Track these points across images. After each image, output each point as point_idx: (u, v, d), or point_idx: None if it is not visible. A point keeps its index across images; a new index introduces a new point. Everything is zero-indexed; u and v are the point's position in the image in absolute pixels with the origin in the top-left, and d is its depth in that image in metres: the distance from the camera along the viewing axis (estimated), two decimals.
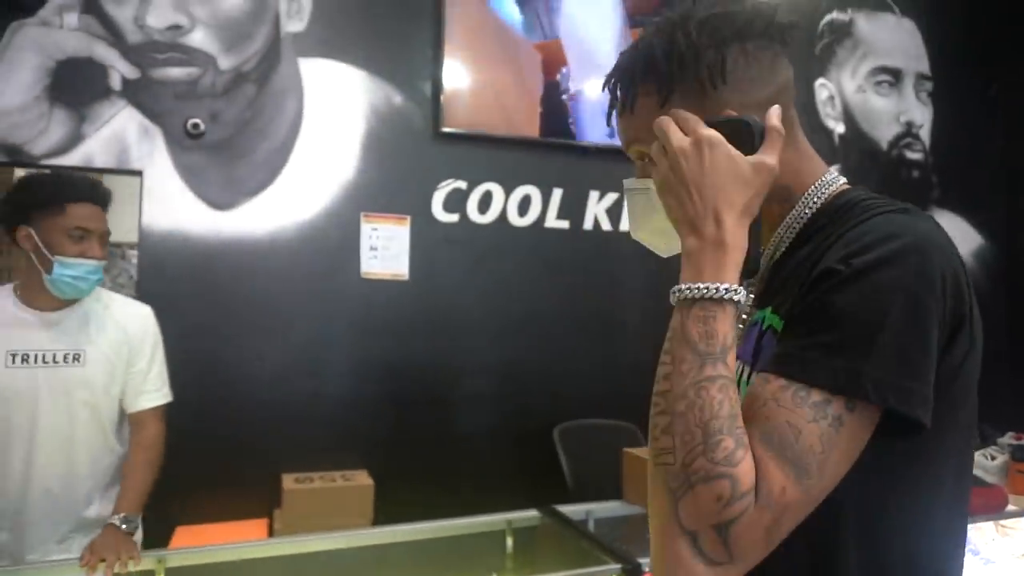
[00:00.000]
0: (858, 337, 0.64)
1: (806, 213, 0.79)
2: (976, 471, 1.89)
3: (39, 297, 1.65)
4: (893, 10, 3.76)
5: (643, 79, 0.79)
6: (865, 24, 3.71)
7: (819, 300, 0.67)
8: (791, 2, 3.49)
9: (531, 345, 3.00)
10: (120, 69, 2.52)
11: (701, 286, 0.68)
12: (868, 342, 0.64)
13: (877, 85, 3.73)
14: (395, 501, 2.47)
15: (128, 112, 2.54)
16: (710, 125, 0.71)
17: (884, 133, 3.73)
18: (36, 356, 1.64)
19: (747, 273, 0.72)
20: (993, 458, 1.94)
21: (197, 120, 2.59)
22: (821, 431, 0.63)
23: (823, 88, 3.61)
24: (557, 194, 3.06)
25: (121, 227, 2.69)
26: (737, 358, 0.76)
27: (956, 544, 0.78)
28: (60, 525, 1.67)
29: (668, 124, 0.73)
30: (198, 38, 2.59)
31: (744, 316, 0.82)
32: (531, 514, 1.79)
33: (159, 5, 2.55)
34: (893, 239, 0.67)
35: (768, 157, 0.71)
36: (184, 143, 2.60)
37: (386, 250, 2.82)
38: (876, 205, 0.75)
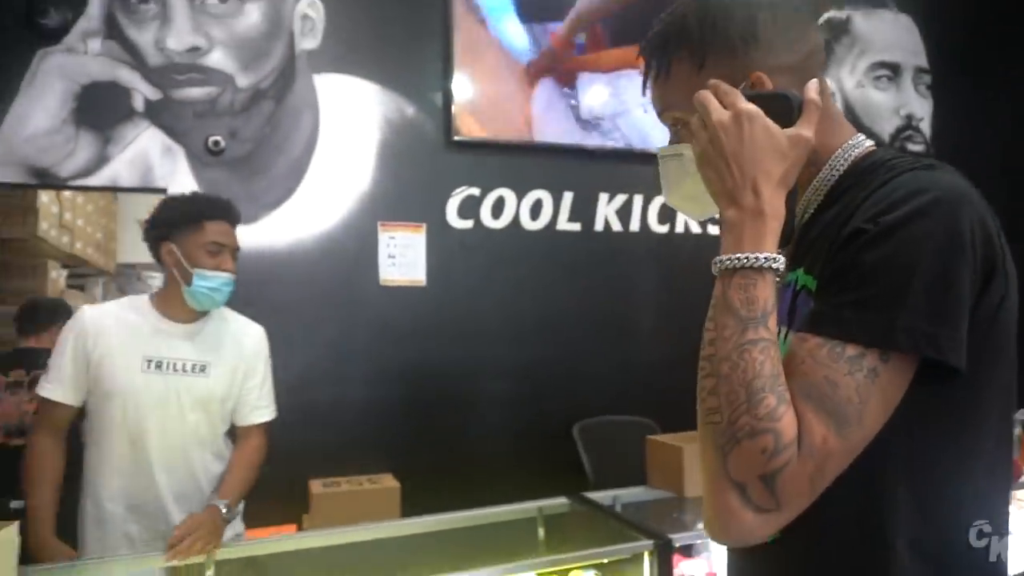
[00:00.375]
0: (889, 292, 0.67)
1: (833, 176, 0.82)
2: None
3: (175, 308, 1.79)
4: (889, 6, 3.84)
5: (677, 44, 0.82)
6: (862, 21, 3.78)
7: (850, 259, 0.70)
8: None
9: (547, 346, 3.05)
10: (142, 91, 2.61)
11: (741, 256, 0.71)
12: (899, 295, 0.67)
13: (876, 80, 3.80)
14: (421, 502, 2.51)
15: (151, 132, 2.62)
16: (750, 98, 0.74)
17: (885, 127, 3.80)
18: (169, 364, 1.77)
19: (784, 241, 0.75)
20: None
21: (217, 137, 2.67)
22: (857, 383, 0.66)
23: None
24: (568, 197, 3.13)
25: (141, 244, 2.78)
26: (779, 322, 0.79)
27: (1002, 494, 0.80)
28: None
29: (708, 98, 0.75)
30: (216, 58, 2.68)
31: (777, 279, 0.87)
32: (561, 501, 1.84)
33: (178, 28, 2.64)
34: (919, 194, 0.69)
35: (805, 130, 0.74)
36: (205, 160, 2.68)
37: (403, 257, 2.89)
38: (901, 163, 0.78)
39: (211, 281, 1.74)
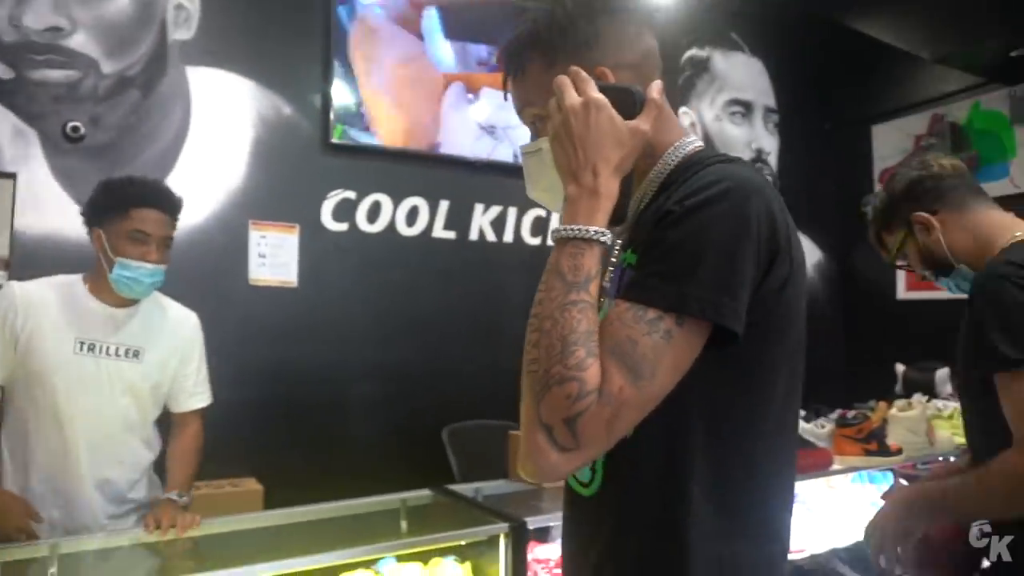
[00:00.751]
0: (684, 265, 0.78)
1: (666, 169, 0.92)
2: (808, 438, 2.18)
3: (106, 292, 1.76)
4: (744, 49, 4.22)
5: (531, 48, 0.92)
6: (721, 61, 4.13)
7: (658, 236, 0.81)
8: (660, 39, 3.83)
9: (419, 351, 3.09)
10: None
11: (574, 228, 0.81)
12: (692, 268, 0.77)
13: (731, 115, 4.16)
14: (285, 505, 2.48)
15: (0, 113, 2.46)
16: (601, 89, 0.84)
17: None
18: (102, 347, 1.76)
19: (617, 220, 0.85)
20: (823, 427, 2.23)
21: (77, 123, 2.54)
22: (654, 342, 0.76)
23: (686, 115, 3.98)
24: (444, 205, 3.21)
25: None
26: (605, 295, 0.89)
27: (787, 453, 0.91)
28: (107, 506, 1.78)
29: (565, 83, 0.85)
30: (79, 41, 2.56)
31: (613, 260, 0.97)
32: (424, 493, 1.89)
33: (37, 6, 2.50)
34: (717, 183, 0.81)
35: (643, 124, 0.85)
36: (62, 146, 2.54)
37: (275, 257, 2.85)
38: (711, 159, 0.90)
39: (131, 271, 1.71)
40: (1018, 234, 1.34)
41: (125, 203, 1.72)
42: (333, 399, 2.93)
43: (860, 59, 4.17)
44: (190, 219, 2.71)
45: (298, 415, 2.85)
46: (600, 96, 0.83)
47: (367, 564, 1.60)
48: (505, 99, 0.99)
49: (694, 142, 0.95)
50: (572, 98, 0.84)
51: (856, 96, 4.38)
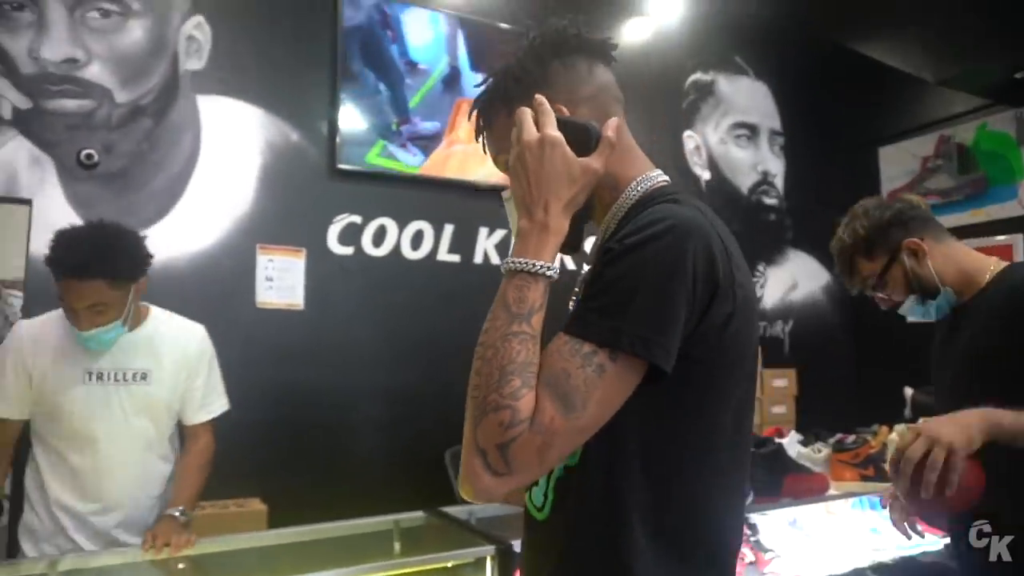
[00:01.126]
0: (619, 302, 0.80)
1: (625, 204, 0.95)
2: (804, 462, 2.17)
3: None
4: (748, 73, 4.26)
5: (493, 101, 0.98)
6: (725, 84, 4.17)
7: (598, 272, 0.84)
8: (661, 63, 3.89)
9: (423, 373, 3.12)
10: (11, 99, 2.54)
11: (523, 261, 0.84)
12: (625, 305, 0.80)
13: (737, 138, 4.18)
14: (289, 525, 2.51)
15: (18, 141, 2.55)
16: (560, 123, 0.88)
17: (744, 180, 4.17)
18: (108, 375, 1.80)
19: (570, 249, 0.89)
20: (819, 451, 2.23)
21: (91, 151, 2.63)
22: (586, 376, 0.79)
23: (690, 139, 4.02)
24: (449, 229, 3.25)
25: (8, 263, 2.67)
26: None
27: (733, 493, 0.93)
28: (130, 527, 1.85)
29: (525, 116, 0.89)
30: (94, 71, 2.65)
31: (577, 291, 1.00)
32: (417, 515, 1.92)
33: (55, 38, 2.60)
34: (655, 223, 0.83)
35: (595, 161, 0.88)
36: (77, 173, 2.62)
37: (281, 280, 2.91)
38: (661, 197, 0.92)
39: (84, 335, 1.72)
40: (992, 266, 1.43)
41: (56, 271, 1.68)
42: (338, 420, 2.97)
43: (865, 81, 4.18)
44: (199, 244, 2.79)
45: (303, 436, 2.88)
46: (556, 134, 0.87)
47: None
48: (484, 152, 1.03)
49: (657, 177, 0.98)
50: (530, 133, 0.87)
51: (862, 118, 4.40)
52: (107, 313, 1.72)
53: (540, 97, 0.89)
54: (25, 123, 2.56)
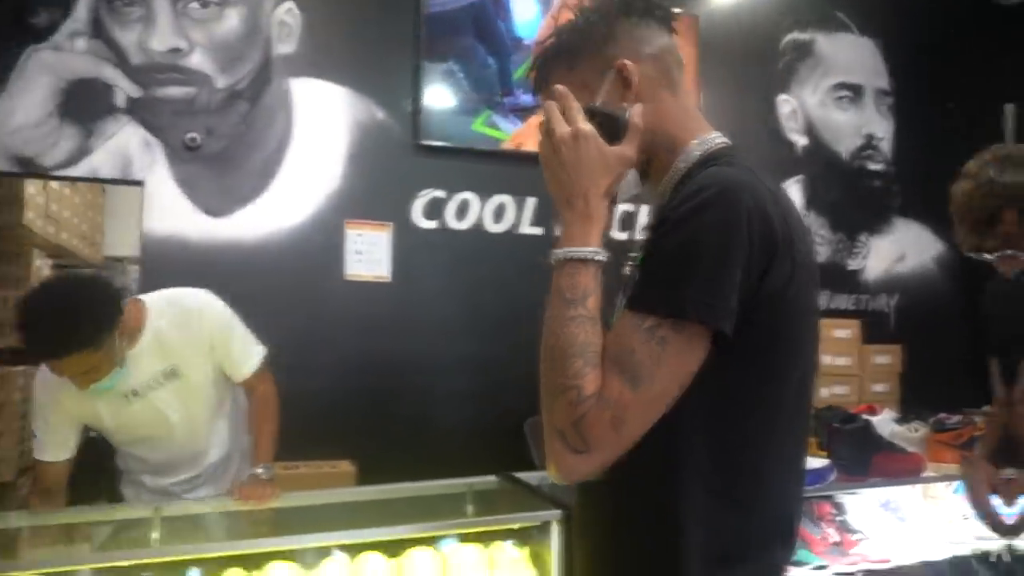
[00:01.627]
0: (678, 273, 0.81)
1: (682, 167, 0.95)
2: (898, 441, 2.06)
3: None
4: (852, 29, 3.99)
5: (555, 56, 0.99)
6: (825, 43, 3.93)
7: (654, 245, 0.86)
8: (753, 22, 3.72)
9: (504, 345, 3.16)
10: (124, 88, 2.75)
11: (571, 250, 0.86)
12: (685, 275, 0.81)
13: (838, 100, 3.94)
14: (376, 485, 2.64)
15: (131, 127, 2.77)
16: (588, 111, 0.90)
17: (845, 145, 3.94)
18: (143, 387, 1.85)
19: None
20: (916, 431, 2.10)
21: (195, 134, 2.82)
22: (651, 350, 0.80)
23: (786, 103, 3.82)
24: (530, 202, 3.27)
25: (126, 238, 2.90)
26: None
27: (793, 462, 0.94)
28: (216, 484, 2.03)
29: (552, 110, 0.90)
30: (196, 60, 2.83)
31: (633, 255, 1.00)
32: (490, 479, 1.97)
33: (161, 30, 2.79)
34: (706, 189, 0.83)
35: (627, 149, 0.91)
36: (182, 155, 2.82)
37: (369, 254, 3.03)
38: (712, 161, 0.92)
39: (91, 390, 1.74)
40: None
41: (31, 357, 1.76)
42: (423, 389, 3.07)
43: (991, 30, 3.82)
44: (291, 220, 2.94)
45: (390, 404, 3.00)
46: (587, 127, 0.88)
47: (430, 543, 1.69)
48: (535, 95, 1.05)
49: (715, 139, 0.97)
50: (562, 128, 0.89)
51: (985, 72, 4.02)
52: (100, 369, 1.71)
53: (562, 88, 0.91)
54: (137, 110, 2.78)
